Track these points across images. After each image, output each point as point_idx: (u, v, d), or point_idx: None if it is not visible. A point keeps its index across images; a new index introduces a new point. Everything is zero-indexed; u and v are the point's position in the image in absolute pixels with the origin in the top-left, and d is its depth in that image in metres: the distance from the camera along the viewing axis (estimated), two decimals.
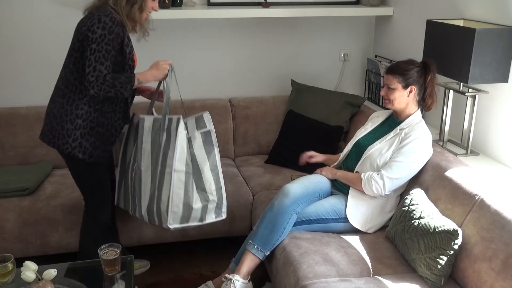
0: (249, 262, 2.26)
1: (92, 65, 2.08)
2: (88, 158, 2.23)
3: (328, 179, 2.50)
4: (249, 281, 2.27)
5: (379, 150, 2.34)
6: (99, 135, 2.24)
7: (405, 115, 2.36)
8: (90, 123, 2.21)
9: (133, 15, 2.18)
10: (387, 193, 2.29)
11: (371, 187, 2.27)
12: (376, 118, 2.55)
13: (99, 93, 2.11)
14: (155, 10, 2.28)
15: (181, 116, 2.28)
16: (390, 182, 2.25)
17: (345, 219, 2.33)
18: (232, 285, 2.21)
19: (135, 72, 2.27)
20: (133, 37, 2.29)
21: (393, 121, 2.43)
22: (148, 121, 2.37)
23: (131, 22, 2.21)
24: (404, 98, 2.32)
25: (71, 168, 2.35)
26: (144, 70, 2.28)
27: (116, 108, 2.28)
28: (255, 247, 2.26)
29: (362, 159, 2.39)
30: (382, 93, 2.38)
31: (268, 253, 2.26)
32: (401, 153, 2.26)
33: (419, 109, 2.37)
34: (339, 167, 2.58)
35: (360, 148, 2.44)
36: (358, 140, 2.49)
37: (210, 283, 2.39)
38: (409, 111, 2.36)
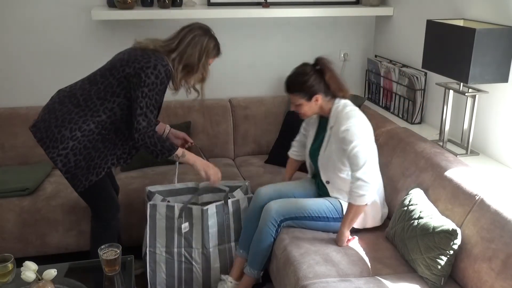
0: (238, 264, 2.44)
1: (144, 111, 2.09)
2: (65, 172, 2.18)
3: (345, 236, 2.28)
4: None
5: (326, 156, 2.32)
6: (88, 157, 2.18)
7: (327, 112, 2.32)
8: (87, 142, 2.16)
9: (180, 74, 2.21)
10: (374, 182, 2.21)
11: (361, 195, 2.16)
12: (312, 122, 2.48)
13: (143, 139, 2.12)
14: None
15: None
16: (367, 170, 2.16)
17: (336, 218, 2.32)
18: (225, 285, 2.40)
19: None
20: None
21: (324, 120, 2.38)
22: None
23: (177, 80, 2.22)
24: (314, 107, 2.29)
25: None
26: (200, 159, 2.31)
27: (118, 143, 2.24)
28: (240, 251, 2.44)
29: (321, 171, 2.38)
30: (291, 109, 2.35)
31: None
32: (346, 151, 2.20)
33: (336, 98, 2.30)
34: (313, 176, 2.57)
35: (314, 158, 2.41)
36: (310, 151, 2.46)
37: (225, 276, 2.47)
38: (326, 109, 2.31)
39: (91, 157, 2.19)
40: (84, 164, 2.18)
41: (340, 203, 2.34)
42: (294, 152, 2.66)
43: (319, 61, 2.29)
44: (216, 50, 2.30)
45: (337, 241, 2.24)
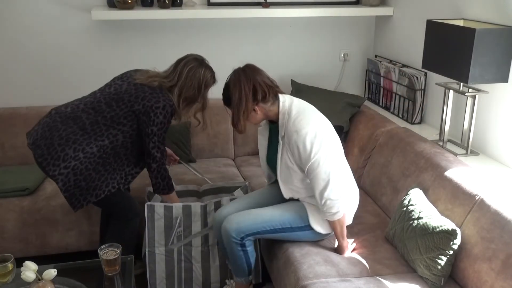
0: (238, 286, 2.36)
1: (156, 144, 2.24)
2: (64, 191, 2.20)
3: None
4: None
5: (285, 169, 2.15)
6: (89, 178, 2.21)
7: (275, 116, 2.14)
8: (88, 163, 2.19)
9: (181, 108, 2.29)
10: (342, 193, 2.07)
11: (335, 213, 2.07)
12: (262, 128, 2.31)
13: (159, 170, 2.29)
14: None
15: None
16: (333, 187, 2.03)
17: (302, 227, 2.19)
18: None
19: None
20: None
21: (273, 128, 2.21)
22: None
23: (179, 113, 2.30)
24: (257, 117, 2.14)
25: None
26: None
27: (116, 168, 2.29)
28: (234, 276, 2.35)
29: (280, 184, 2.21)
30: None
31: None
32: (306, 168, 2.05)
33: (277, 100, 2.13)
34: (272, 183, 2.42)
35: (273, 165, 2.24)
36: (267, 161, 2.32)
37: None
38: (273, 113, 2.13)
39: (91, 178, 2.22)
40: (84, 184, 2.21)
41: (305, 209, 2.19)
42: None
43: (239, 71, 2.14)
44: (213, 79, 2.38)
45: (340, 253, 2.17)
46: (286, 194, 2.24)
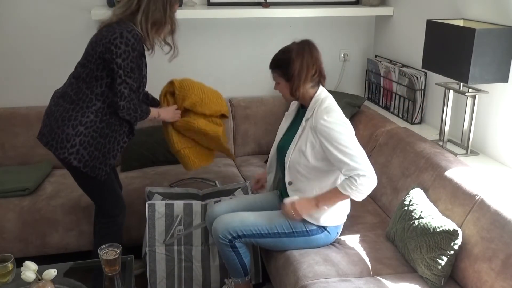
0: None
1: (123, 79, 2.11)
2: (83, 167, 2.19)
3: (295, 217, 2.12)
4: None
5: (297, 153, 2.13)
6: (100, 146, 2.20)
7: (307, 101, 2.16)
8: (93, 132, 2.18)
9: (151, 32, 2.19)
10: (374, 174, 2.01)
11: (362, 192, 1.99)
12: (289, 113, 2.33)
13: (128, 106, 2.15)
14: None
15: None
16: (364, 164, 1.98)
17: (288, 234, 2.15)
18: None
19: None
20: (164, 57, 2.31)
21: (302, 112, 2.22)
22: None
23: (148, 40, 2.20)
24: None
25: (72, 175, 2.33)
26: (162, 109, 2.41)
27: (123, 122, 2.25)
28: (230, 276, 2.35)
29: (286, 169, 2.17)
30: (274, 88, 2.23)
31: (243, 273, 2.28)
32: (336, 148, 2.00)
33: (320, 86, 2.17)
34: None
35: (283, 154, 2.21)
36: (279, 144, 2.29)
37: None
38: (307, 96, 2.15)
39: (102, 144, 2.21)
40: (98, 153, 2.20)
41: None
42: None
43: (303, 42, 2.16)
44: None
45: (286, 210, 2.09)
46: (288, 177, 2.18)
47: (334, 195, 2.05)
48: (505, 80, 2.27)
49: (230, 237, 2.13)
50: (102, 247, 2.00)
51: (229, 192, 2.64)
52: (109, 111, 2.19)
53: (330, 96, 2.16)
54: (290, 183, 2.19)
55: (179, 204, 2.43)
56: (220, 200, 2.47)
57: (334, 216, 2.17)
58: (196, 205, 2.45)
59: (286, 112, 2.35)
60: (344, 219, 2.25)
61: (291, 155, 2.15)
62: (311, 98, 2.15)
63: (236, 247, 2.16)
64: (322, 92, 2.16)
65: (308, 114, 2.13)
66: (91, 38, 2.24)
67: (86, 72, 2.18)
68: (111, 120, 2.21)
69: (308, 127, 2.10)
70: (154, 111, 2.33)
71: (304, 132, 2.13)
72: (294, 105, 2.32)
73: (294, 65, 2.09)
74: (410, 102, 2.99)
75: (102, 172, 2.24)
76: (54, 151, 2.19)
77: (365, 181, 1.97)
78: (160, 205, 2.42)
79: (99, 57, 2.14)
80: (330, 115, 2.05)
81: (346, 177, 2.00)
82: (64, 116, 2.18)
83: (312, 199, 2.08)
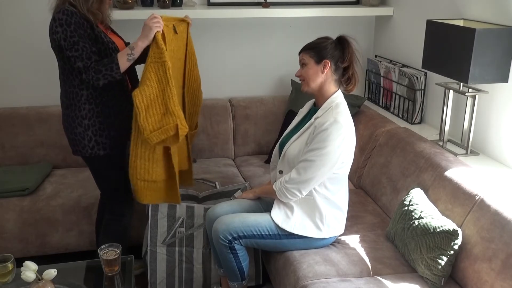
0: (224, 280, 2.39)
1: (73, 54, 2.08)
2: (110, 150, 2.25)
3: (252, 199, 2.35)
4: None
5: (296, 146, 2.14)
6: (110, 125, 2.24)
7: (324, 99, 2.14)
8: (97, 118, 2.21)
9: (93, 8, 2.14)
10: (305, 194, 2.11)
11: (287, 196, 2.11)
12: (302, 110, 2.33)
13: (91, 74, 2.09)
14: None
15: None
16: (306, 184, 2.07)
17: (289, 235, 2.16)
18: None
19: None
20: None
21: (313, 110, 2.21)
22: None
23: (93, 15, 2.15)
24: (318, 75, 2.11)
25: (94, 170, 2.36)
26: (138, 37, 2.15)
27: (115, 93, 2.24)
28: (221, 270, 2.40)
29: (281, 157, 2.22)
30: (297, 74, 2.18)
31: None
32: (311, 149, 2.05)
33: (339, 90, 2.16)
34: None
35: (282, 147, 2.24)
36: (282, 139, 2.30)
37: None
38: (326, 92, 2.13)
39: (111, 123, 2.24)
40: (114, 132, 2.25)
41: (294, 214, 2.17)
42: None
43: (343, 36, 2.15)
44: None
45: (240, 195, 2.38)
46: (280, 166, 2.23)
47: (269, 192, 2.22)
48: (505, 80, 2.27)
49: (230, 238, 2.13)
50: (102, 247, 2.00)
51: (229, 194, 2.64)
52: (96, 93, 2.20)
53: (345, 103, 2.14)
54: (280, 172, 2.23)
55: (181, 206, 2.43)
56: (221, 203, 2.47)
57: (335, 227, 2.21)
58: (199, 208, 2.45)
59: (300, 110, 2.35)
60: (342, 230, 2.26)
61: (289, 146, 2.18)
62: (328, 97, 2.13)
63: (235, 249, 2.16)
64: (339, 96, 2.15)
65: (319, 113, 2.13)
66: None
67: (60, 71, 2.23)
68: (104, 98, 2.22)
69: (314, 125, 2.10)
70: (124, 50, 2.14)
71: (309, 129, 2.13)
72: (308, 104, 2.32)
73: (329, 48, 2.11)
74: (410, 102, 2.99)
75: (125, 146, 2.30)
76: (81, 154, 2.26)
77: (293, 196, 2.11)
78: (163, 205, 2.42)
79: (56, 52, 2.18)
80: (336, 126, 2.04)
81: (286, 181, 2.10)
82: (69, 122, 2.24)
83: (254, 189, 2.39)
